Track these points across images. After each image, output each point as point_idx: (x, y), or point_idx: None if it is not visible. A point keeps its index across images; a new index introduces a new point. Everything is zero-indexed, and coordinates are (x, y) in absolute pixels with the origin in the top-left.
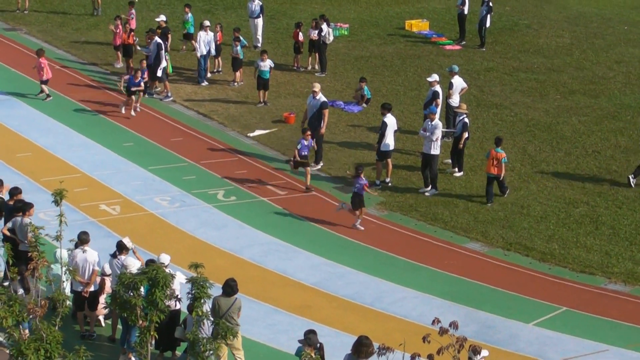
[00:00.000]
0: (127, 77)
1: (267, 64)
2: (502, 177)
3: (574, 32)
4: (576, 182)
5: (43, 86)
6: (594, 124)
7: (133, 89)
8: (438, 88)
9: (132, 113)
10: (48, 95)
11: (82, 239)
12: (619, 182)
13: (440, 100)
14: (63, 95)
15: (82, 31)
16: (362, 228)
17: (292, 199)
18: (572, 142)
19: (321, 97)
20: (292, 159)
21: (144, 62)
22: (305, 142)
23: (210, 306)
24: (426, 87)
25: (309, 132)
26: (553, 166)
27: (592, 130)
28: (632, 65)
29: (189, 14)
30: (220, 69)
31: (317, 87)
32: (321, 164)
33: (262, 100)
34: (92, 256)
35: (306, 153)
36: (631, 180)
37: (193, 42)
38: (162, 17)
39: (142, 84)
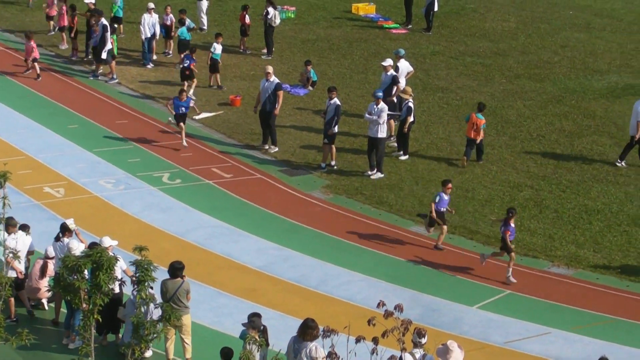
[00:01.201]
0: (170, 100)
1: (221, 47)
2: (480, 142)
3: (520, 16)
4: (520, 166)
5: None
6: (538, 108)
7: (182, 111)
8: (394, 72)
9: (184, 143)
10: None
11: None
12: (563, 166)
13: (401, 85)
14: (7, 77)
15: (27, 12)
16: (515, 280)
17: (237, 182)
18: (517, 126)
19: (275, 79)
20: (429, 214)
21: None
22: (445, 197)
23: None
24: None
25: (449, 185)
26: (498, 150)
27: (536, 115)
28: (577, 50)
29: None
30: (170, 51)
31: (270, 69)
32: (276, 148)
33: (216, 84)
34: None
35: (445, 209)
36: (619, 163)
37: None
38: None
39: (191, 102)
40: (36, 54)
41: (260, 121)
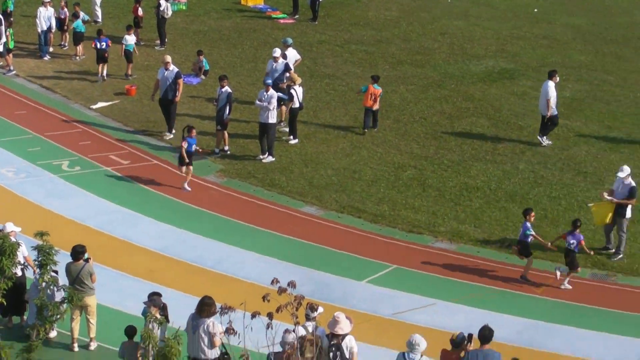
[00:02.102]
0: (184, 142)
1: (133, 38)
2: (376, 110)
3: (402, 5)
4: (404, 148)
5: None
6: (420, 92)
7: (193, 149)
8: (283, 60)
9: (187, 186)
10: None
11: None
12: (444, 146)
13: (292, 73)
14: None
15: None
16: (570, 287)
17: (135, 168)
18: (401, 109)
19: (174, 68)
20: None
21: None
22: (573, 240)
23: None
24: (262, 60)
25: (532, 213)
26: (383, 133)
27: (418, 99)
28: (455, 37)
29: None
30: (66, 44)
31: (168, 58)
32: (173, 133)
33: (127, 73)
34: None
35: (529, 240)
36: (542, 140)
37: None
38: None
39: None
40: None
41: (161, 109)
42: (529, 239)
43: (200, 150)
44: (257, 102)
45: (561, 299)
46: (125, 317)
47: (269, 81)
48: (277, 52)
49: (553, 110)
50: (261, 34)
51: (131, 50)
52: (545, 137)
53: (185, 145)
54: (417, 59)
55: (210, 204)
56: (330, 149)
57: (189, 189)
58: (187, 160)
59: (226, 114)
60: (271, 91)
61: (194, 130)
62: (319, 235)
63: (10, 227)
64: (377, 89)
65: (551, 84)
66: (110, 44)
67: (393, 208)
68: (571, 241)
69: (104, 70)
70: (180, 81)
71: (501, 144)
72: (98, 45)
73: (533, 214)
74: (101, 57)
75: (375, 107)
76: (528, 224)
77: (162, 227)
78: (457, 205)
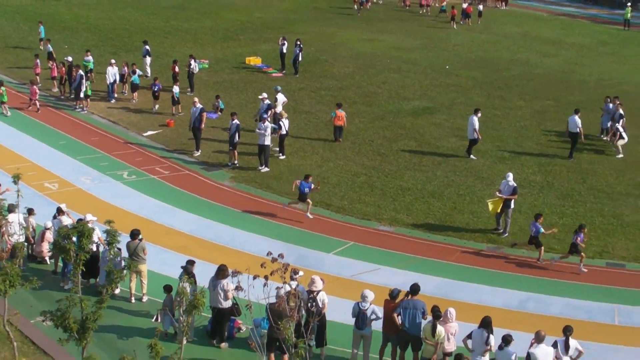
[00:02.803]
0: (297, 182)
1: (177, 88)
2: (341, 127)
3: (356, 64)
4: (359, 161)
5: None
6: (369, 122)
7: (306, 191)
8: (268, 101)
9: (309, 215)
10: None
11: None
12: (386, 160)
13: (278, 109)
14: (17, 111)
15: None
16: (585, 270)
17: (173, 177)
18: (356, 135)
19: (199, 105)
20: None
21: None
22: (539, 225)
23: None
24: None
25: (542, 218)
26: (343, 151)
27: (367, 127)
28: (392, 85)
29: (89, 57)
30: (125, 91)
31: (196, 99)
32: (199, 152)
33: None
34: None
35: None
36: (470, 156)
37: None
38: (69, 58)
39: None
40: (36, 95)
41: (193, 134)
42: (538, 234)
43: (316, 187)
44: (257, 130)
45: (467, 264)
46: (166, 278)
47: (265, 115)
48: (263, 94)
49: (476, 135)
50: (259, 84)
51: (177, 95)
52: (471, 154)
53: (298, 184)
54: (367, 100)
55: (224, 201)
56: (307, 162)
57: (312, 216)
58: (304, 197)
59: (236, 139)
60: (266, 123)
61: (310, 177)
62: (299, 221)
63: (89, 217)
64: (341, 112)
65: (475, 118)
66: (161, 87)
67: (350, 202)
68: (532, 229)
69: (155, 105)
70: (204, 114)
71: (424, 157)
72: (154, 88)
73: (542, 218)
74: (155, 97)
75: (344, 124)
76: (539, 225)
77: (191, 217)
78: (395, 201)
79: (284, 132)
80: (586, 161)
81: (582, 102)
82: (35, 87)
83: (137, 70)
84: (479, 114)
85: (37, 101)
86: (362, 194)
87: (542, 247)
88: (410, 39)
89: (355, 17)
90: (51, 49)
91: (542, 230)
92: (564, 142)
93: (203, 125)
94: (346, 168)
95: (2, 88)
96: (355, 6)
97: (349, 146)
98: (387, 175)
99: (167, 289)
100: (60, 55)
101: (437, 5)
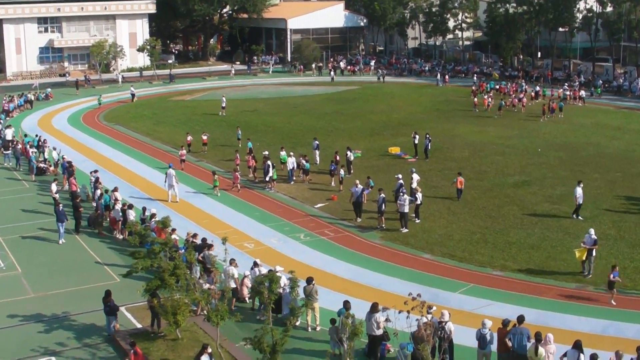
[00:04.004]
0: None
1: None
2: (461, 189)
3: (470, 150)
4: (475, 222)
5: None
6: (481, 193)
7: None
8: (401, 181)
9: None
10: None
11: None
12: (496, 221)
13: (413, 184)
14: (227, 193)
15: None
16: (615, 303)
17: (339, 237)
18: (472, 203)
19: (360, 186)
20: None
21: None
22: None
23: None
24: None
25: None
26: (463, 215)
27: (481, 197)
28: (498, 165)
29: (283, 152)
30: (301, 175)
31: (357, 181)
32: (359, 220)
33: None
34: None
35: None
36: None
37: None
38: (266, 152)
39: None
40: (238, 179)
41: (354, 207)
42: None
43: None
44: (398, 201)
45: (560, 299)
46: (332, 313)
47: (404, 190)
48: (399, 175)
49: (580, 200)
50: (399, 167)
51: (342, 176)
52: (579, 216)
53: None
54: (479, 176)
55: (375, 254)
56: (437, 224)
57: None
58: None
59: (383, 208)
60: (405, 196)
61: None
62: (429, 269)
63: (277, 268)
64: (461, 178)
65: (579, 188)
66: (336, 168)
67: (470, 254)
68: (611, 275)
69: (332, 182)
70: (365, 193)
71: (525, 219)
72: (331, 167)
73: (617, 267)
74: (331, 175)
75: (462, 187)
76: (616, 273)
77: (351, 267)
78: (503, 251)
79: (418, 202)
80: None
81: None
82: (237, 173)
83: (307, 160)
84: (582, 185)
85: (238, 184)
86: (479, 247)
87: (615, 290)
88: (509, 130)
89: (468, 115)
90: (251, 145)
91: (617, 277)
92: (632, 203)
93: (365, 200)
94: (466, 228)
95: (216, 176)
96: (484, 108)
97: (467, 211)
98: (496, 232)
99: (332, 321)
100: (254, 150)
101: (530, 104)
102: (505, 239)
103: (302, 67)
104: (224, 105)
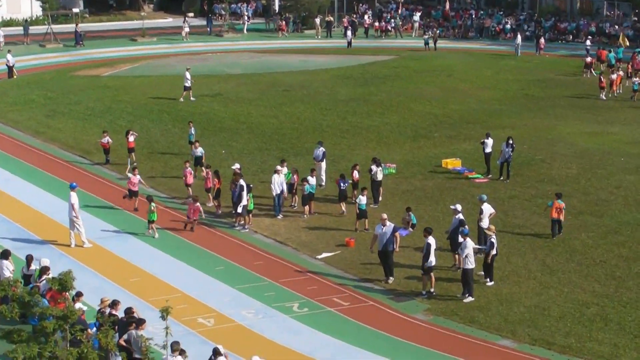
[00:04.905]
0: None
1: (364, 198)
2: (559, 220)
3: (580, 164)
4: (587, 286)
5: None
6: (600, 238)
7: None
8: (461, 215)
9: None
10: None
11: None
12: (623, 286)
13: (485, 224)
14: (167, 232)
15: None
16: None
17: (354, 309)
18: (583, 254)
19: (391, 224)
20: None
21: None
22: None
23: None
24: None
25: None
26: (567, 274)
27: (598, 244)
28: (629, 190)
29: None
30: (295, 204)
31: (385, 216)
32: (391, 279)
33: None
34: None
35: None
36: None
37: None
38: (237, 165)
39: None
40: (197, 213)
41: (380, 259)
42: None
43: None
44: (459, 250)
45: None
46: None
47: (467, 232)
48: (457, 206)
49: None
50: (460, 192)
51: (363, 208)
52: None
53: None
54: (596, 209)
55: (419, 340)
56: (522, 289)
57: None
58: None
59: (431, 261)
60: (468, 240)
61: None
62: None
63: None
64: (560, 204)
65: None
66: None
67: (579, 340)
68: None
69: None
70: (397, 234)
71: None
72: (341, 185)
73: None
74: (343, 196)
75: (561, 217)
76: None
77: (371, 357)
78: (636, 337)
79: (494, 252)
80: None
81: None
82: (196, 204)
83: (310, 179)
84: None
85: (194, 220)
86: (594, 330)
87: None
88: None
89: (577, 105)
90: (200, 154)
91: None
92: None
93: (397, 247)
94: (572, 296)
95: (152, 205)
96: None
97: (574, 268)
98: (625, 305)
99: None
100: (216, 162)
101: None
102: (638, 315)
103: (298, 23)
104: (187, 84)
